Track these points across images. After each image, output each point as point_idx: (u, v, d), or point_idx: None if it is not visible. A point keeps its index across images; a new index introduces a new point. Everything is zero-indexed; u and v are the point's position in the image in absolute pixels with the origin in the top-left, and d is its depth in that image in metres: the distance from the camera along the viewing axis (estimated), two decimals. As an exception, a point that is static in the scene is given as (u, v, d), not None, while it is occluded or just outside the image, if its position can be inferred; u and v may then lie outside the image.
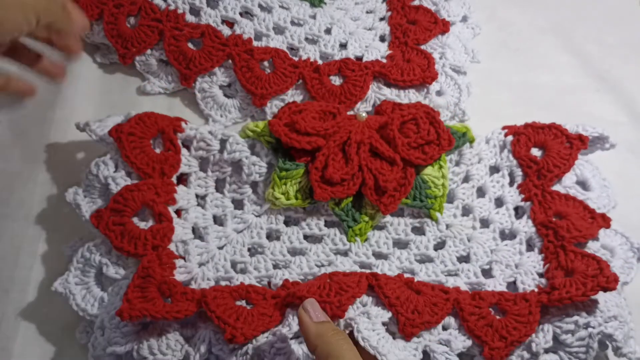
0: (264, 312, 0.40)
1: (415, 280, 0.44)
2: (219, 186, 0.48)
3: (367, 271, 0.44)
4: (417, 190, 0.47)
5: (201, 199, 0.47)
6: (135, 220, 0.43)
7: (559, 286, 0.42)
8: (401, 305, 0.41)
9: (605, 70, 0.62)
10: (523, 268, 0.46)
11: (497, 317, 0.42)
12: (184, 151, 0.47)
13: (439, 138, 0.47)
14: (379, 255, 0.47)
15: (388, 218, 0.48)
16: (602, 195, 0.49)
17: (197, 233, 0.46)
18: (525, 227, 0.48)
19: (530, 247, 0.47)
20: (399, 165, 0.46)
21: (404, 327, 0.40)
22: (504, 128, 0.51)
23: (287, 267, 0.45)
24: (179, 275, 0.42)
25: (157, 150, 0.46)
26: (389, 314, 0.41)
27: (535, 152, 0.50)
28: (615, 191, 0.51)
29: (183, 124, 0.47)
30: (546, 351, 0.41)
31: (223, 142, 0.47)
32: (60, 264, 0.46)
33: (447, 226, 0.48)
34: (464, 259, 0.47)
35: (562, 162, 0.49)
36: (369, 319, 0.40)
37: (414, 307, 0.41)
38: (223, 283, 0.43)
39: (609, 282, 0.41)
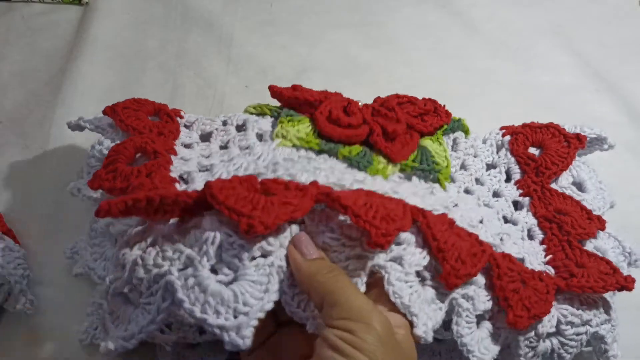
0: (287, 202, 0.33)
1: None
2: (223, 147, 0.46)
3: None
4: (423, 156, 0.46)
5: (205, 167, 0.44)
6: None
7: (577, 274, 0.41)
8: (448, 251, 0.36)
9: (605, 70, 0.62)
10: (528, 250, 0.43)
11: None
12: (184, 129, 0.46)
13: (436, 110, 0.48)
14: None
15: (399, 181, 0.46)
16: (597, 197, 0.49)
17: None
18: (526, 218, 0.47)
19: (529, 237, 0.46)
20: (401, 123, 0.46)
21: (448, 277, 0.35)
22: (501, 128, 0.52)
23: (316, 172, 0.39)
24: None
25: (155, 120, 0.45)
26: (426, 260, 0.36)
27: (533, 151, 0.50)
28: (613, 192, 0.51)
29: (182, 112, 0.46)
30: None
31: (225, 120, 0.47)
32: (60, 264, 0.46)
33: (454, 194, 0.47)
34: (480, 222, 0.44)
35: (560, 160, 0.49)
36: (401, 267, 0.35)
37: (458, 255, 0.36)
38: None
39: (628, 282, 0.40)
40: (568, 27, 0.65)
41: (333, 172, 0.39)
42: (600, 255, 0.44)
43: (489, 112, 0.57)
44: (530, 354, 0.39)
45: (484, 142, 0.51)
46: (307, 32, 0.64)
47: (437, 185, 0.46)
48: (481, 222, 0.44)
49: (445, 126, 0.49)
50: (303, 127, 0.44)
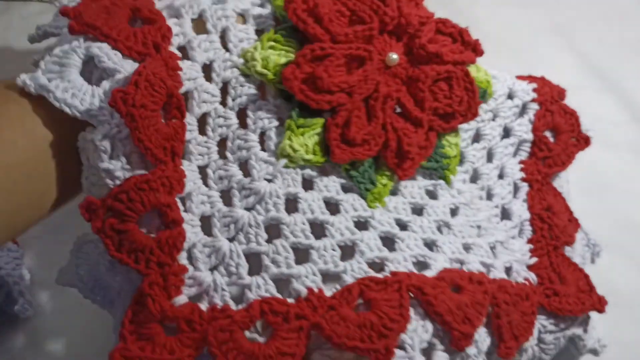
0: (285, 351, 0.32)
1: (442, 259, 0.38)
2: (221, 147, 0.37)
3: (393, 254, 0.37)
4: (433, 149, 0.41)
5: (202, 170, 0.37)
6: (138, 222, 0.33)
7: (559, 293, 0.40)
8: (454, 319, 0.35)
9: (607, 69, 0.62)
10: (515, 255, 0.42)
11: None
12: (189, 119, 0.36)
13: (467, 110, 0.41)
14: (400, 225, 0.39)
15: (401, 182, 0.41)
16: (569, 192, 0.47)
17: (203, 224, 0.36)
18: (520, 210, 0.43)
19: (519, 232, 0.44)
20: (423, 128, 0.40)
21: (459, 343, 0.34)
22: (534, 90, 0.46)
23: (308, 260, 0.35)
24: (188, 290, 0.33)
25: (163, 121, 0.35)
26: (429, 333, 0.34)
27: (547, 132, 0.46)
28: (611, 190, 0.51)
29: (180, 73, 0.35)
30: None
31: (224, 86, 0.37)
32: (59, 265, 0.45)
33: (458, 192, 0.42)
34: (477, 232, 0.42)
35: (567, 158, 0.46)
36: (405, 352, 0.33)
37: (464, 315, 0.35)
38: (236, 291, 0.34)
39: (601, 305, 0.41)
40: (569, 27, 0.65)
41: (329, 245, 0.36)
42: (568, 250, 0.44)
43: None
44: None
45: (511, 97, 0.45)
46: (307, 32, 0.64)
47: (441, 182, 0.41)
48: (479, 230, 0.42)
49: None
50: (311, 137, 0.37)
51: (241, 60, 0.37)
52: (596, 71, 0.62)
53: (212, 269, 0.34)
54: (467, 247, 0.40)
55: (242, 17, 0.39)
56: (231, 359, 0.31)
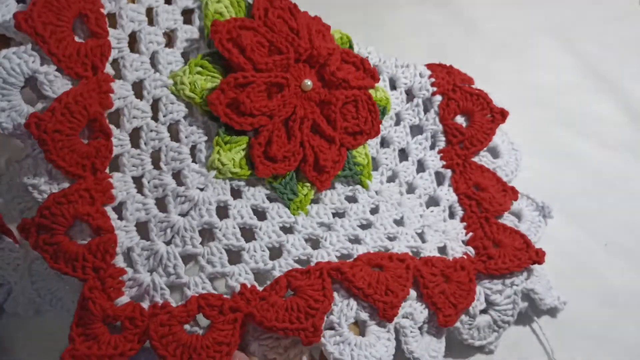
0: (221, 340, 0.35)
1: (365, 249, 0.42)
2: (155, 159, 0.41)
3: (317, 251, 0.41)
4: (345, 161, 0.46)
5: (137, 180, 0.40)
6: (71, 232, 0.36)
7: (494, 256, 0.44)
8: (375, 292, 0.38)
9: (606, 70, 0.62)
10: (449, 235, 0.46)
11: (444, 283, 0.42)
12: (113, 129, 0.39)
13: (371, 128, 0.47)
14: (323, 226, 0.44)
15: (321, 192, 0.46)
16: (510, 161, 0.50)
17: (140, 229, 0.39)
18: (447, 195, 0.48)
19: (450, 215, 0.48)
20: (336, 145, 0.45)
21: (385, 313, 0.37)
22: (433, 84, 0.50)
23: (240, 261, 0.40)
24: (129, 291, 0.36)
25: (85, 140, 0.37)
26: (354, 310, 0.38)
27: (459, 118, 0.50)
28: (611, 190, 0.51)
29: (112, 96, 0.38)
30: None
31: (155, 102, 0.41)
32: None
33: (377, 192, 0.47)
34: (399, 222, 0.46)
35: (484, 137, 0.50)
36: (334, 331, 0.37)
37: (385, 287, 0.38)
38: (175, 292, 0.38)
39: (539, 257, 0.44)
40: (568, 27, 0.65)
41: (258, 248, 0.40)
42: (517, 219, 0.48)
43: (490, 112, 0.57)
44: (474, 333, 0.43)
45: (410, 99, 0.50)
46: (307, 32, 0.64)
47: (358, 186, 0.47)
48: (402, 220, 0.46)
49: None
50: (239, 155, 0.42)
51: (171, 82, 0.41)
52: (596, 71, 0.62)
53: (151, 270, 0.38)
54: (391, 238, 0.44)
55: (169, 36, 0.42)
56: (171, 351, 0.34)
